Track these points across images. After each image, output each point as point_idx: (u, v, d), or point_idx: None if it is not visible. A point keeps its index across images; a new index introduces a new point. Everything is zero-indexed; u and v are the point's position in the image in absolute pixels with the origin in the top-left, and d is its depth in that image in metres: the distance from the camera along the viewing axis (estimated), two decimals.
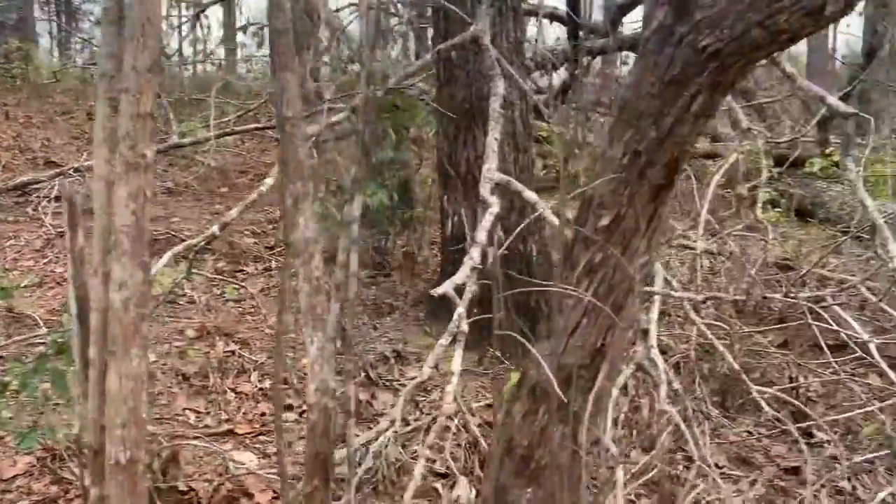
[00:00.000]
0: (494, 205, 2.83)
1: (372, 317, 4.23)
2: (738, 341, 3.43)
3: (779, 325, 4.02)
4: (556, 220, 2.49)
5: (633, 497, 2.90)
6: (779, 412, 3.13)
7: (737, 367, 2.76)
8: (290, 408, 3.38)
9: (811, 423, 3.08)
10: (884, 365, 3.28)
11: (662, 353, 3.84)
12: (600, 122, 6.24)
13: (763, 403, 2.56)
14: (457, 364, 1.97)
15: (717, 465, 3.07)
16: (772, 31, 1.33)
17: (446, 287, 2.07)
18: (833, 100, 3.29)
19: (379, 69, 4.80)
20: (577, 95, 5.97)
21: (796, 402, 2.88)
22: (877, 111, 10.22)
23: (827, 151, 6.23)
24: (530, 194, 2.93)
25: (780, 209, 5.44)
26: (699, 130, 1.47)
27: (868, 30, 8.25)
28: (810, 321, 3.76)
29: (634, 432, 3.08)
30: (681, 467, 2.91)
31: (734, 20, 1.37)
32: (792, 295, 4.08)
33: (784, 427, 2.73)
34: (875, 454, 3.03)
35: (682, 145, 1.47)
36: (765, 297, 4.29)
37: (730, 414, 3.36)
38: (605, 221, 1.50)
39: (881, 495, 2.34)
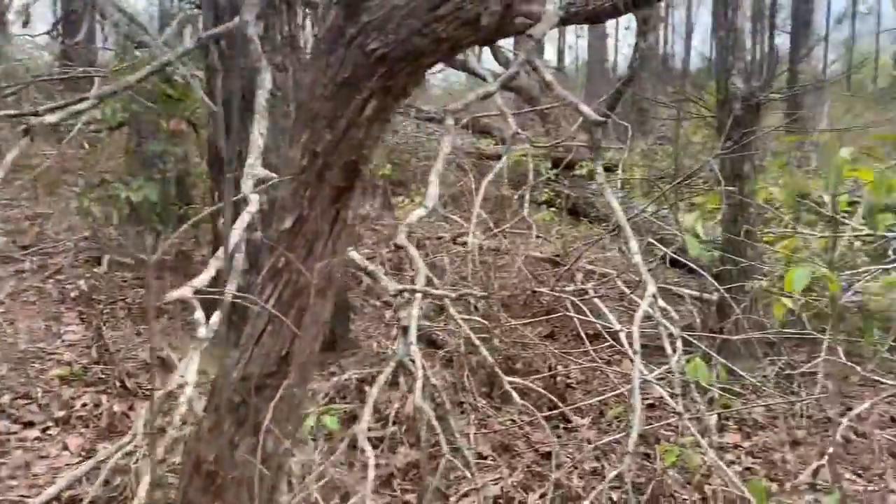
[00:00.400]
0: (254, 202, 2.73)
1: (136, 322, 3.93)
2: (504, 334, 3.59)
3: (545, 317, 4.27)
4: None
5: (399, 492, 2.93)
6: (540, 400, 3.31)
7: (490, 360, 2.88)
8: (30, 424, 3.06)
9: (561, 409, 3.29)
10: (630, 352, 3.58)
11: (439, 347, 3.95)
12: None
13: (514, 394, 2.69)
14: (192, 373, 1.85)
15: (480, 455, 3.19)
16: (432, 38, 1.35)
17: (184, 291, 1.94)
18: (584, 108, 3.50)
19: (149, 55, 4.48)
20: None
21: (544, 391, 3.07)
22: (646, 120, 11.35)
23: None
24: None
25: (555, 209, 5.80)
26: (378, 134, 1.47)
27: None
28: (572, 313, 4.03)
29: (403, 428, 3.11)
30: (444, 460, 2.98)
31: (398, 25, 1.37)
32: (557, 288, 4.37)
33: (535, 416, 2.88)
34: (621, 434, 3.30)
35: (359, 149, 1.46)
36: (534, 292, 4.55)
37: (496, 404, 3.51)
38: (287, 224, 1.47)
39: (612, 474, 2.54)
